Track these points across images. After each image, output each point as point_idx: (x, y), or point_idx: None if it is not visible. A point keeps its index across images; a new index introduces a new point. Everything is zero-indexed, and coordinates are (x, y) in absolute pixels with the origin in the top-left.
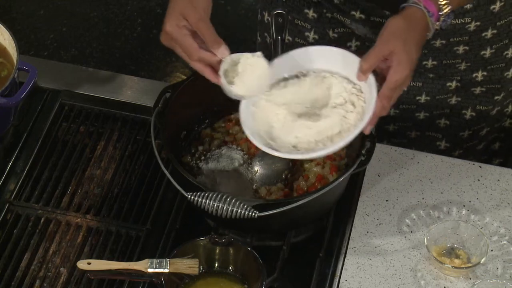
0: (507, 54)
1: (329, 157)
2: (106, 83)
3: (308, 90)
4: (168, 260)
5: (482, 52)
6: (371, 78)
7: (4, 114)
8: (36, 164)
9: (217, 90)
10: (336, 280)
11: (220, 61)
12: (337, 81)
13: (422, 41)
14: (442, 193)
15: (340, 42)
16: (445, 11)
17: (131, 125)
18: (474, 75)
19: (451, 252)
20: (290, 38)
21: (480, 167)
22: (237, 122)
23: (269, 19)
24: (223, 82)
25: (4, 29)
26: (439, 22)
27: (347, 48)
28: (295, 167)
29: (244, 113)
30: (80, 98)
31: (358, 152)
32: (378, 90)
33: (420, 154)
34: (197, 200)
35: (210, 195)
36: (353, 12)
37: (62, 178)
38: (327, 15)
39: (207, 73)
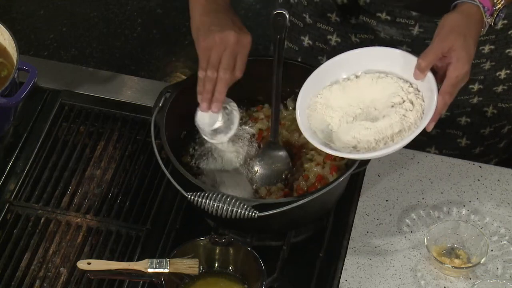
0: None
1: (329, 157)
2: (106, 83)
3: (362, 91)
4: (168, 260)
5: (507, 50)
6: (430, 76)
7: (4, 114)
8: (36, 164)
9: None
10: (336, 280)
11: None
12: (393, 81)
13: (478, 37)
14: (442, 193)
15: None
16: (499, 5)
17: (131, 125)
18: (497, 73)
19: (451, 252)
20: (310, 42)
21: (480, 167)
22: None
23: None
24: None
25: (4, 29)
26: (492, 18)
27: None
28: (295, 167)
29: (301, 116)
30: (80, 98)
31: None
32: (438, 88)
33: (420, 154)
34: (197, 200)
35: (210, 195)
36: (378, 14)
37: (62, 178)
38: (350, 20)
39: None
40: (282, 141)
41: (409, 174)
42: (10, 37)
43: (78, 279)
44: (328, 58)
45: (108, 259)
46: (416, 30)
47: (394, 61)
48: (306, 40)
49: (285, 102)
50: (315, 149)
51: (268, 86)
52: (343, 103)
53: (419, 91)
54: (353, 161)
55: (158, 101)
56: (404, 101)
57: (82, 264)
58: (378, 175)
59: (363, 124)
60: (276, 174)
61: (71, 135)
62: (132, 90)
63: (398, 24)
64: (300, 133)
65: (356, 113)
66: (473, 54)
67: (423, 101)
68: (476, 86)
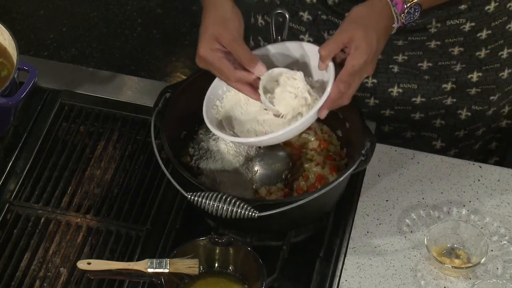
0: (502, 54)
1: (328, 157)
2: (106, 83)
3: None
4: (168, 260)
5: (477, 53)
6: (331, 65)
7: (4, 114)
8: (36, 164)
9: None
10: (336, 280)
11: (257, 78)
12: (289, 75)
13: (385, 31)
14: (442, 193)
15: None
16: (410, 2)
17: (131, 125)
18: (469, 76)
19: (451, 252)
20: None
21: (480, 167)
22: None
23: (263, 23)
24: (263, 99)
25: (4, 29)
26: (404, 14)
27: None
28: (295, 167)
29: (206, 106)
30: (80, 98)
31: (358, 152)
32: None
33: (420, 154)
34: (197, 200)
35: (210, 195)
36: (347, 14)
37: (62, 178)
38: (322, 17)
39: (247, 92)
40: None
41: (409, 174)
42: (10, 37)
43: (78, 279)
44: None
45: (108, 259)
46: None
47: (301, 53)
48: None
49: None
50: (315, 149)
51: None
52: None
53: (313, 87)
54: (353, 161)
55: (158, 101)
56: (296, 95)
57: (82, 264)
58: (378, 175)
59: (264, 113)
60: (276, 174)
61: (71, 135)
62: (132, 90)
63: None
64: (300, 133)
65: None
66: (376, 46)
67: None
68: (449, 86)
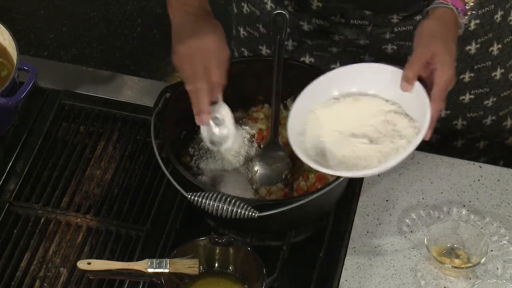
0: (492, 50)
1: None
2: (106, 83)
3: (349, 111)
4: (168, 260)
5: (468, 47)
6: (418, 85)
7: (4, 114)
8: (36, 164)
9: None
10: (336, 280)
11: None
12: (376, 100)
13: (457, 39)
14: (442, 193)
15: (319, 50)
16: (471, 4)
17: (131, 125)
18: (461, 76)
19: (451, 252)
20: (268, 51)
21: (480, 167)
22: (237, 121)
23: (245, 34)
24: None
25: (4, 29)
26: (467, 17)
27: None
28: (295, 167)
29: (292, 135)
30: (80, 98)
31: None
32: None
33: (420, 154)
34: (197, 200)
35: (210, 195)
36: (332, 17)
37: (62, 178)
38: (303, 27)
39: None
40: (282, 141)
41: (409, 174)
42: (10, 37)
43: (78, 279)
44: None
45: (108, 259)
46: (370, 28)
47: (382, 76)
48: (264, 49)
49: (285, 102)
50: None
51: (268, 86)
52: (333, 121)
53: (400, 106)
54: None
55: (158, 101)
56: (389, 119)
57: (82, 264)
58: (378, 175)
59: (355, 142)
60: (276, 174)
61: (71, 135)
62: (132, 90)
63: (353, 26)
64: None
65: (347, 131)
66: (455, 56)
67: (410, 116)
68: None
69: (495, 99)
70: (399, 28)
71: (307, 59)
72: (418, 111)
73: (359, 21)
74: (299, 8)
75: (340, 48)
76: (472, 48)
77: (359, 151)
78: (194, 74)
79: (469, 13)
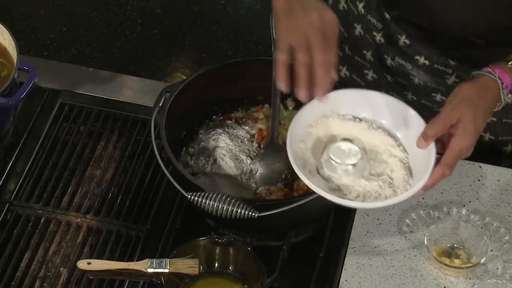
0: None
1: None
2: (106, 83)
3: (363, 136)
4: (168, 260)
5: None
6: (432, 145)
7: (4, 114)
8: (36, 164)
9: (217, 90)
10: (336, 280)
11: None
12: (388, 139)
13: (490, 111)
14: (442, 193)
15: (396, 89)
16: None
17: (131, 125)
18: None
19: (451, 252)
20: (347, 73)
21: (480, 167)
22: (237, 121)
23: (345, 7)
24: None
25: (4, 29)
26: (510, 95)
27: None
28: None
29: (292, 153)
30: (80, 98)
31: None
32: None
33: None
34: (197, 200)
35: (210, 195)
36: (417, 57)
37: (62, 178)
38: (386, 61)
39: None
40: (282, 141)
41: None
42: (10, 37)
43: (78, 279)
44: None
45: (108, 259)
46: (451, 80)
47: (398, 115)
48: (343, 71)
49: (285, 102)
50: None
51: (268, 86)
52: (343, 136)
53: (407, 156)
54: None
55: (158, 101)
56: (390, 162)
57: (82, 264)
58: None
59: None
60: (276, 174)
61: (71, 135)
62: (132, 90)
63: (435, 71)
64: None
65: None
66: (481, 128)
67: (411, 169)
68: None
69: None
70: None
71: None
72: (420, 166)
73: (443, 68)
74: (386, 40)
75: (412, 98)
76: None
77: (345, 176)
78: (296, 47)
79: None
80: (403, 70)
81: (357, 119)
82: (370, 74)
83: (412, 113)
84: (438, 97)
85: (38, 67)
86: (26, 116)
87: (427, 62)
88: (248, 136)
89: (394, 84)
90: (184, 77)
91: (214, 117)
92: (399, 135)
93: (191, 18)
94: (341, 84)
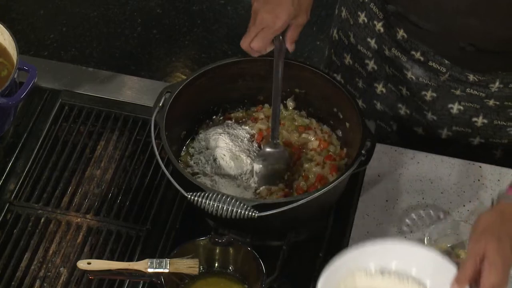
0: None
1: (328, 157)
2: (106, 83)
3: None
4: (168, 260)
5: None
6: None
7: (4, 114)
8: (36, 164)
9: (217, 90)
10: None
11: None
12: None
13: None
14: (442, 193)
15: (392, 82)
16: None
17: (131, 125)
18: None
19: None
20: (351, 61)
21: (480, 167)
22: (237, 121)
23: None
24: None
25: (4, 29)
26: None
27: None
28: (295, 167)
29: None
30: (80, 98)
31: (358, 152)
32: None
33: (420, 154)
34: (197, 200)
35: (210, 195)
36: (413, 52)
37: (62, 178)
38: (384, 51)
39: None
40: (282, 141)
41: (409, 174)
42: (10, 37)
43: (78, 279)
44: (364, 83)
45: (108, 259)
46: (444, 77)
47: (427, 264)
48: (347, 59)
49: (285, 102)
50: (315, 149)
51: (268, 86)
52: None
53: None
54: (353, 161)
55: (158, 101)
56: None
57: (82, 264)
58: (378, 175)
59: None
60: (276, 174)
61: (71, 135)
62: (132, 90)
63: (429, 67)
64: (300, 133)
65: None
66: (510, 257)
67: None
68: (498, 153)
69: None
70: (472, 91)
71: (379, 88)
72: None
73: (437, 66)
74: (385, 31)
75: (406, 94)
76: None
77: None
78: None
79: None
80: (398, 62)
81: (386, 273)
82: (370, 65)
83: (441, 259)
84: (429, 94)
85: (38, 67)
86: (26, 116)
87: (422, 58)
88: (248, 136)
89: (391, 77)
90: (184, 77)
91: (214, 117)
92: (428, 283)
93: (191, 18)
94: (343, 76)
